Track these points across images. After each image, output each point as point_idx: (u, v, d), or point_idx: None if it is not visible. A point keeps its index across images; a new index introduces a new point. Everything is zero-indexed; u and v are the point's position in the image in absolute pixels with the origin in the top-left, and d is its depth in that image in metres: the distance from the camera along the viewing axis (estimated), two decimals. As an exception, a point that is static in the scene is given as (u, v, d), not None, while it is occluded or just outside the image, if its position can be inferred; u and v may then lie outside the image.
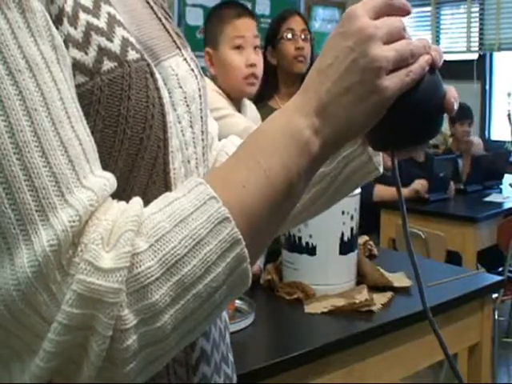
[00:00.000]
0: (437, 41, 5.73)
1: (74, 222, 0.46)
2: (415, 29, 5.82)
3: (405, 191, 3.52)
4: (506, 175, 4.18)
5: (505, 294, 3.21)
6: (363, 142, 0.76)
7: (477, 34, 5.50)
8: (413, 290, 1.72)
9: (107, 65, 0.55)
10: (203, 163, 0.70)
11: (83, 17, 0.55)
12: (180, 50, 0.68)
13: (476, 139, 4.37)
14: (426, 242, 3.31)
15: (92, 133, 0.52)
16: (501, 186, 4.11)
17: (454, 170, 3.78)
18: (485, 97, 5.52)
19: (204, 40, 2.09)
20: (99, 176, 0.50)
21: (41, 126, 0.47)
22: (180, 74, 0.66)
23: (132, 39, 0.58)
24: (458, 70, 5.00)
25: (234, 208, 0.51)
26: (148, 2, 0.68)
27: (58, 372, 0.47)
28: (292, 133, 0.55)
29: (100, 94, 0.54)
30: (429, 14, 5.73)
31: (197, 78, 0.69)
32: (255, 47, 1.99)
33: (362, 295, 1.63)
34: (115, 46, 0.56)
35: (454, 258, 3.29)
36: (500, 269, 3.45)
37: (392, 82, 0.55)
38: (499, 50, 5.38)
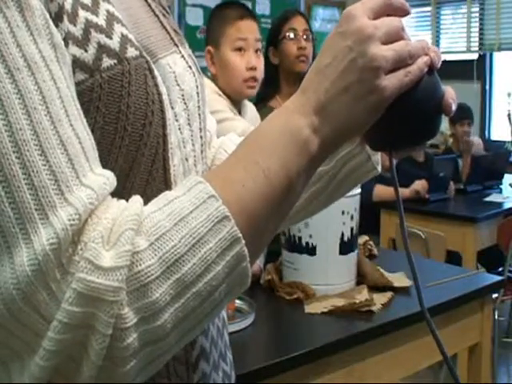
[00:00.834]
0: (437, 41, 5.73)
1: (73, 220, 0.46)
2: (415, 29, 5.82)
3: (405, 192, 3.52)
4: (506, 175, 4.18)
5: (505, 293, 3.21)
6: (362, 142, 0.76)
7: (477, 34, 5.50)
8: (413, 290, 1.72)
9: (107, 62, 0.55)
10: (201, 161, 0.70)
11: (82, 14, 0.55)
12: (177, 47, 0.68)
13: (476, 139, 4.37)
14: (425, 241, 3.31)
15: (92, 130, 0.53)
16: (501, 186, 4.11)
17: (454, 169, 3.78)
18: (485, 97, 5.52)
19: (206, 38, 2.09)
20: (99, 174, 0.50)
21: (40, 124, 0.47)
22: (177, 72, 0.66)
23: (131, 36, 0.59)
24: (457, 70, 5.00)
25: (234, 207, 0.51)
26: (146, 0, 0.68)
27: (58, 371, 0.47)
28: (291, 132, 0.55)
29: (100, 91, 0.54)
30: (429, 14, 5.74)
31: (194, 76, 0.69)
32: (256, 50, 2.00)
33: (362, 295, 1.63)
34: (114, 43, 0.56)
35: (453, 258, 3.29)
36: (500, 269, 3.45)
37: (390, 82, 0.55)
38: (499, 50, 5.38)
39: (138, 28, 0.64)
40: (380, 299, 1.63)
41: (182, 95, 0.66)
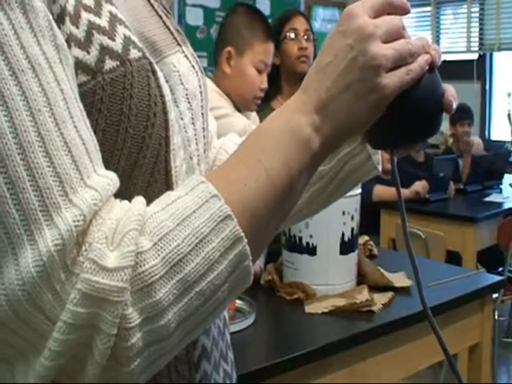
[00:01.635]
0: (437, 41, 5.74)
1: (78, 221, 0.46)
2: (415, 29, 5.83)
3: (405, 192, 3.52)
4: (506, 175, 4.18)
5: (505, 293, 3.21)
6: (362, 141, 0.76)
7: (477, 34, 5.50)
8: (413, 290, 1.72)
9: (109, 64, 0.55)
10: (204, 160, 0.70)
11: (85, 16, 0.55)
12: (180, 46, 0.68)
13: (476, 139, 4.37)
14: (425, 242, 3.31)
15: (94, 132, 0.53)
16: (501, 186, 4.11)
17: (454, 170, 3.78)
18: (485, 97, 5.52)
19: (223, 34, 2.11)
20: (102, 175, 0.50)
21: (44, 126, 0.47)
22: (181, 71, 0.66)
23: (134, 37, 0.59)
24: (457, 70, 5.00)
25: (236, 206, 0.52)
26: (148, 0, 0.68)
27: (63, 371, 0.48)
28: (292, 130, 0.56)
29: (102, 93, 0.54)
30: (429, 14, 5.74)
31: (197, 75, 0.70)
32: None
33: (363, 295, 1.63)
34: (117, 45, 0.56)
35: (453, 258, 3.29)
36: (500, 269, 3.46)
37: (391, 80, 0.55)
38: (499, 50, 5.38)
39: (143, 27, 0.64)
40: (380, 299, 1.63)
41: (186, 94, 0.66)
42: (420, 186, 3.58)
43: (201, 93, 0.69)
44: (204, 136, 0.70)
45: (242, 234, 0.51)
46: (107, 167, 0.53)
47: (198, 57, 0.75)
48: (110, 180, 0.50)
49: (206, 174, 0.69)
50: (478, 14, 5.46)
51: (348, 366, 1.48)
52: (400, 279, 1.76)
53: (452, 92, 0.61)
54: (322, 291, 1.67)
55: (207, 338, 0.67)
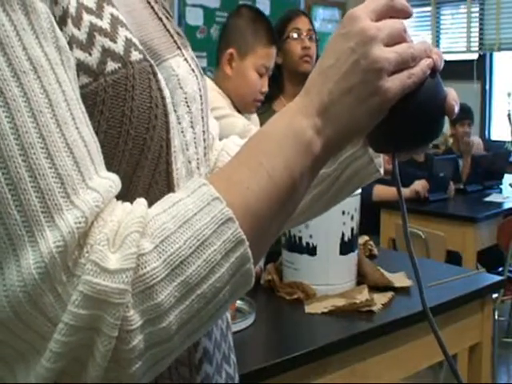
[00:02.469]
0: (437, 41, 5.74)
1: (80, 223, 0.46)
2: (415, 29, 5.82)
3: (405, 192, 3.52)
4: (506, 175, 4.18)
5: (505, 293, 3.21)
6: (364, 144, 0.76)
7: (477, 34, 5.50)
8: (413, 290, 1.73)
9: (111, 66, 0.55)
10: (204, 163, 0.70)
11: (87, 18, 0.55)
12: (180, 49, 0.68)
13: (476, 139, 4.38)
14: (425, 241, 3.31)
15: (96, 133, 0.53)
16: (501, 186, 4.12)
17: (454, 170, 3.78)
18: (485, 97, 5.52)
19: (225, 35, 2.11)
20: (104, 177, 0.50)
21: (46, 127, 0.47)
22: (181, 75, 0.66)
23: (135, 40, 0.59)
24: (457, 70, 5.00)
25: (238, 209, 0.52)
26: (149, 2, 0.68)
27: (64, 373, 0.48)
28: (294, 133, 0.56)
29: (104, 94, 0.54)
30: (429, 14, 5.74)
31: (197, 78, 0.69)
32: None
33: (363, 295, 1.63)
34: (119, 47, 0.56)
35: (453, 258, 3.29)
36: (500, 269, 3.46)
37: (393, 84, 0.55)
38: (499, 50, 5.38)
39: (142, 30, 0.64)
40: (380, 299, 1.63)
41: (185, 98, 0.66)
42: (420, 185, 3.58)
43: (200, 96, 0.69)
44: (204, 139, 0.70)
45: (244, 237, 0.51)
46: (109, 169, 0.53)
47: (198, 57, 0.75)
48: (111, 182, 0.50)
49: (208, 176, 0.69)
50: (477, 14, 5.46)
51: (348, 365, 1.48)
52: (400, 279, 1.77)
53: (454, 96, 0.61)
54: (322, 291, 1.67)
55: (209, 341, 0.67)
